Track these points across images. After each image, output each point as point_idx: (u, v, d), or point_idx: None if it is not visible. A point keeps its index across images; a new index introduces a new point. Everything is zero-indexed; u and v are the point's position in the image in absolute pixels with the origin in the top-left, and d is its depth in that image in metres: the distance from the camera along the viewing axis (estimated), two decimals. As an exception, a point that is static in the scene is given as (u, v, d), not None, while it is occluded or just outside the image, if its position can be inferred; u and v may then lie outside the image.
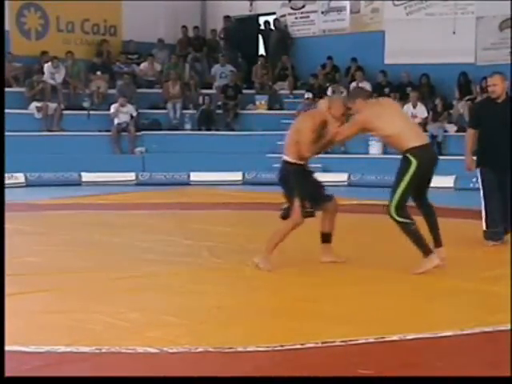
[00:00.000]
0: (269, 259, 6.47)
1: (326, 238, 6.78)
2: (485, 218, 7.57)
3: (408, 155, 6.25)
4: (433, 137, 14.62)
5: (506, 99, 7.58)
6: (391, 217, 6.29)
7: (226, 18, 19.12)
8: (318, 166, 15.73)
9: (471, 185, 13.86)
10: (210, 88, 17.96)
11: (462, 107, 15.65)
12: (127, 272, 6.28)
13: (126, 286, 5.83)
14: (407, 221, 6.23)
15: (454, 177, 13.62)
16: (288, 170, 6.55)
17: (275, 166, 15.50)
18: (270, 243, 6.56)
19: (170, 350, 4.15)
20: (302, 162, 6.56)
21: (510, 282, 5.63)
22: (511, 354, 3.95)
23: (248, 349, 4.18)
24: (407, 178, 6.23)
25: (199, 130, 16.93)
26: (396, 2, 17.37)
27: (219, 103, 17.41)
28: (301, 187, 6.51)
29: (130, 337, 4.43)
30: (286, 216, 6.58)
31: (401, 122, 6.46)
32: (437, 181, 13.95)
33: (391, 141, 6.49)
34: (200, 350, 4.17)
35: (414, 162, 6.20)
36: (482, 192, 7.64)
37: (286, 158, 6.58)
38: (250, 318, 4.89)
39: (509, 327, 4.56)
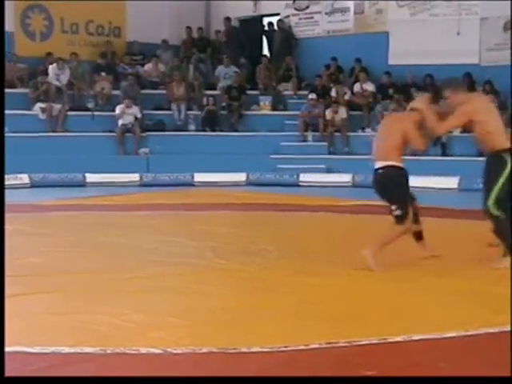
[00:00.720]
0: (375, 259, 6.37)
1: (419, 235, 6.83)
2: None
3: (503, 155, 6.38)
4: (437, 138, 14.59)
5: None
6: (489, 213, 6.40)
7: (227, 19, 19.12)
8: (322, 166, 15.83)
9: (475, 185, 13.88)
10: (214, 89, 17.96)
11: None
12: (132, 273, 6.29)
13: (131, 287, 5.83)
14: (502, 216, 6.36)
15: (458, 178, 13.61)
16: (396, 175, 6.48)
17: (279, 166, 15.77)
18: (376, 245, 6.47)
19: (174, 351, 4.15)
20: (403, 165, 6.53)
21: (510, 283, 5.61)
22: (511, 353, 3.94)
23: (252, 350, 4.18)
24: (503, 177, 6.36)
25: (203, 130, 16.94)
26: (400, 3, 17.36)
27: (223, 104, 17.41)
28: (409, 191, 6.57)
29: (134, 338, 4.43)
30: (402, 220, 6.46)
31: (499, 121, 6.57)
32: (441, 182, 14.01)
33: (488, 138, 6.50)
34: (204, 350, 4.17)
35: (509, 163, 6.34)
36: None
37: (389, 162, 6.46)
38: (254, 319, 4.89)
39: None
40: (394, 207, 6.47)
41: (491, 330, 4.54)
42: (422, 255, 6.82)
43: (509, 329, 4.55)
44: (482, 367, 3.92)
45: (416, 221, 6.78)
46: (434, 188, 13.02)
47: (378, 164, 6.57)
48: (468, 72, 15.93)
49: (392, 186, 6.51)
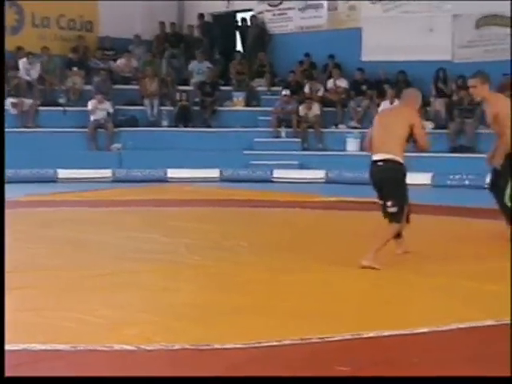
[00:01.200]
0: (378, 258, 6.27)
1: (399, 232, 6.70)
2: None
3: None
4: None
5: None
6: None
7: (201, 15, 19.09)
8: (295, 162, 15.84)
9: (448, 182, 13.99)
10: (188, 85, 17.90)
11: (439, 104, 15.73)
12: (103, 269, 6.24)
13: (102, 283, 5.79)
14: None
15: (431, 174, 13.68)
16: (397, 169, 6.38)
17: (252, 162, 15.75)
18: (376, 245, 6.35)
19: (147, 348, 4.12)
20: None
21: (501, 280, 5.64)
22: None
23: (225, 346, 4.16)
24: None
25: (176, 126, 16.87)
26: (373, 0, 17.41)
27: (196, 100, 17.36)
28: (406, 188, 6.50)
29: (107, 334, 4.40)
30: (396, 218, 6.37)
31: None
32: (414, 178, 14.07)
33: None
34: (177, 347, 4.14)
35: None
36: None
37: (390, 156, 6.33)
38: (227, 315, 4.87)
39: (484, 323, 4.58)
40: (389, 203, 6.35)
41: (463, 326, 4.55)
42: (396, 252, 6.82)
43: (481, 324, 4.57)
44: (454, 362, 3.93)
45: (406, 221, 6.72)
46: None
47: (378, 156, 6.42)
48: (441, 68, 16.04)
49: (391, 181, 6.39)
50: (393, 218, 6.39)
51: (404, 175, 6.47)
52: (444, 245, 7.46)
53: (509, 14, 15.90)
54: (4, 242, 5.30)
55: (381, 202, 6.48)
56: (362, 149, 13.48)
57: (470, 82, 7.62)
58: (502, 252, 6.84)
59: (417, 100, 6.74)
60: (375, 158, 6.46)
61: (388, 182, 6.39)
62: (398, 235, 6.75)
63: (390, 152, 6.35)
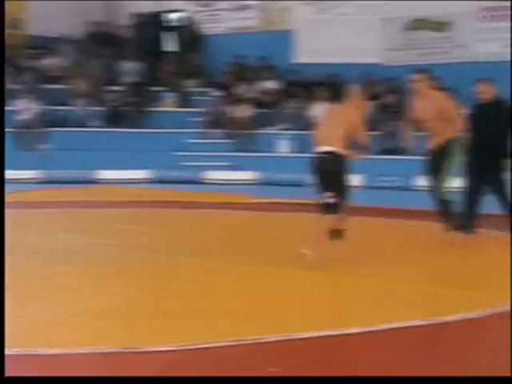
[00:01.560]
0: (315, 248, 6.34)
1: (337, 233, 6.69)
2: (460, 212, 7.88)
3: None
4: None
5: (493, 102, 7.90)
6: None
7: (133, 15, 18.92)
8: (227, 164, 15.81)
9: (379, 183, 14.16)
10: (118, 85, 17.71)
11: (369, 106, 15.88)
12: (31, 272, 6.09)
13: (30, 286, 5.63)
14: None
15: (362, 176, 13.79)
16: (340, 162, 6.42)
17: (184, 164, 15.65)
18: (316, 236, 6.41)
19: (74, 351, 4.02)
20: None
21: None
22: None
23: (154, 349, 4.09)
24: None
25: (107, 127, 16.67)
26: (305, 2, 17.50)
27: (127, 100, 17.18)
28: (347, 183, 6.54)
29: (34, 338, 4.27)
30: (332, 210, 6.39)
31: None
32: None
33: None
34: (106, 350, 4.04)
35: None
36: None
37: (334, 148, 6.39)
38: (157, 317, 4.79)
39: (418, 323, 4.60)
40: (328, 194, 6.39)
41: (396, 326, 4.56)
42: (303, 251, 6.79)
43: (415, 324, 4.59)
44: (387, 362, 3.93)
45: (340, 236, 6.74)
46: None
47: (322, 148, 6.48)
48: (369, 71, 16.22)
49: (333, 173, 6.44)
50: (328, 209, 6.43)
51: (345, 169, 6.53)
52: (377, 246, 7.50)
53: (437, 19, 16.20)
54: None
55: (320, 194, 6.51)
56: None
57: (415, 77, 7.73)
58: (435, 253, 6.93)
59: (359, 96, 6.85)
60: (319, 149, 6.54)
61: (329, 173, 6.45)
62: (337, 235, 6.75)
63: (333, 145, 6.44)
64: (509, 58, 15.58)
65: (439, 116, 7.55)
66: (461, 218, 7.81)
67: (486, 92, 7.87)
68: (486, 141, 7.78)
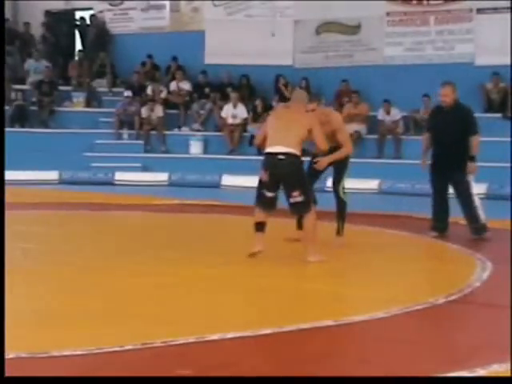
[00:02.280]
0: (317, 251, 6.56)
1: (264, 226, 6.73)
2: (432, 214, 8.29)
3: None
4: (252, 137, 14.82)
5: (453, 107, 8.09)
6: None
7: (47, 12, 18.54)
8: (138, 165, 15.64)
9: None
10: (24, 83, 17.29)
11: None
12: None
13: None
14: None
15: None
16: (298, 162, 6.55)
17: (93, 165, 15.40)
18: (309, 241, 6.60)
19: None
20: None
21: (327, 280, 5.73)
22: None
23: (64, 353, 3.97)
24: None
25: (12, 126, 16.27)
26: (216, 3, 17.48)
27: (34, 99, 16.81)
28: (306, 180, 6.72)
29: None
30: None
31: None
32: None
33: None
34: (11, 356, 3.90)
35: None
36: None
37: (290, 150, 6.47)
38: (67, 321, 4.68)
39: (325, 323, 4.62)
40: (295, 193, 6.49)
41: (304, 326, 4.56)
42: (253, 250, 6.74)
43: (321, 324, 4.61)
44: (295, 363, 3.93)
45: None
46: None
47: (277, 148, 6.50)
48: (280, 73, 16.33)
49: (295, 173, 6.54)
50: (302, 208, 6.57)
51: (302, 168, 6.70)
52: (289, 246, 7.52)
53: (346, 22, 16.43)
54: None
55: (270, 195, 6.61)
56: (251, 145, 13.66)
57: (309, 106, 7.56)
58: (336, 253, 7.03)
59: (305, 101, 6.98)
60: (273, 150, 6.56)
61: (290, 175, 6.54)
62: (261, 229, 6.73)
63: (289, 146, 6.49)
64: (414, 62, 15.99)
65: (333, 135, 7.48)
66: (436, 220, 8.19)
67: (447, 95, 8.04)
68: (447, 144, 8.02)
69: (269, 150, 6.58)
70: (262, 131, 6.99)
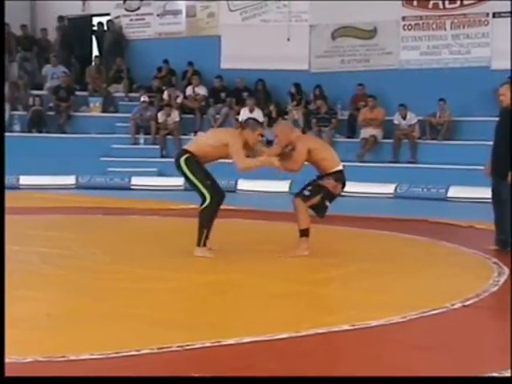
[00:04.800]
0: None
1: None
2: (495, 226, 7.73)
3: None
4: (268, 142, 14.80)
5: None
6: None
7: (60, 18, 18.63)
8: (154, 169, 15.68)
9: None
10: (41, 89, 17.39)
11: (296, 113, 15.99)
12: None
13: None
14: None
15: (289, 181, 13.81)
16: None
17: (110, 169, 15.45)
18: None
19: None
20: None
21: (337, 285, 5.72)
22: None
23: (81, 357, 4.00)
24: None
25: (29, 132, 16.37)
26: (232, 8, 17.52)
27: (51, 105, 16.90)
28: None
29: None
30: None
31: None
32: (274, 185, 14.17)
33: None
34: (29, 359, 3.93)
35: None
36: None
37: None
38: (83, 325, 4.70)
39: (342, 328, 4.63)
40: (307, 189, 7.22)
41: (321, 331, 4.57)
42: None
43: (338, 329, 4.61)
44: (312, 367, 3.93)
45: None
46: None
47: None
48: (296, 79, 16.32)
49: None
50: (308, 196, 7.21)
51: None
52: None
53: (362, 26, 16.44)
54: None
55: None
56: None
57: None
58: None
59: (284, 133, 7.58)
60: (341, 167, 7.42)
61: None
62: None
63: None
64: (430, 66, 15.96)
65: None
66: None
67: (505, 95, 7.46)
68: (497, 147, 7.51)
69: (341, 167, 7.29)
70: (303, 153, 7.18)
